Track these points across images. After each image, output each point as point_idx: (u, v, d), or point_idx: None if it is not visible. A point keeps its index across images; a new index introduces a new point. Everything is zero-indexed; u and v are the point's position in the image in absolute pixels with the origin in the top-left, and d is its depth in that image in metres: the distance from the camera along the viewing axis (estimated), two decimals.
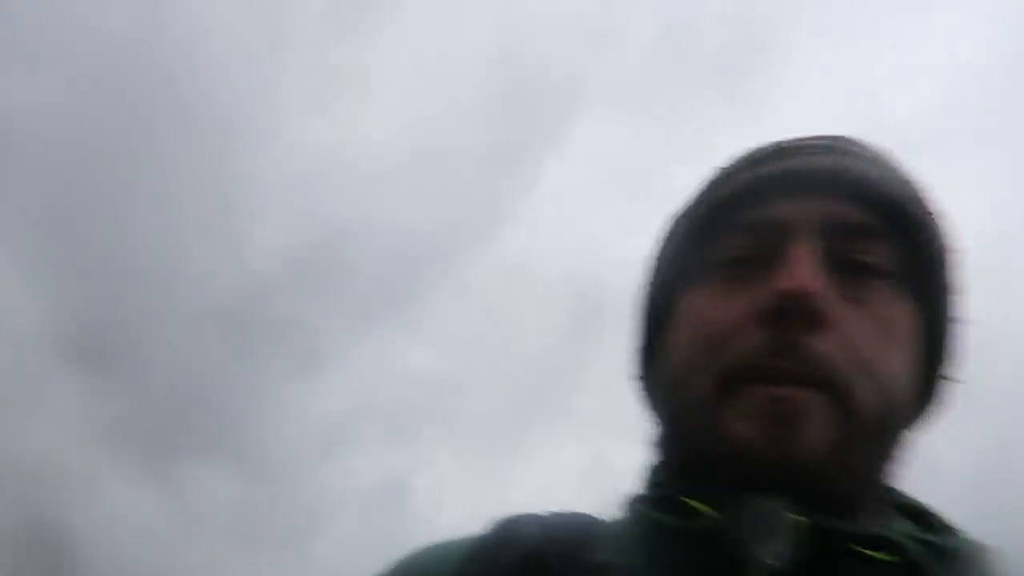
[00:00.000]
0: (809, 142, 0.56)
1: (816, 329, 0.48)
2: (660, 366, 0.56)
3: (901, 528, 0.52)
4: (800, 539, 0.46)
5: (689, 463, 0.52)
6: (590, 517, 0.58)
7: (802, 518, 0.46)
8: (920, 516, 0.55)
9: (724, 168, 0.58)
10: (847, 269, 0.51)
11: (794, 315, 0.47)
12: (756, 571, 0.46)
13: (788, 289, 0.48)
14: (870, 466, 0.51)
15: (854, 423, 0.48)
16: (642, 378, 0.61)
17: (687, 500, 0.49)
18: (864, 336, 0.50)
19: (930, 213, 0.55)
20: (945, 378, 0.57)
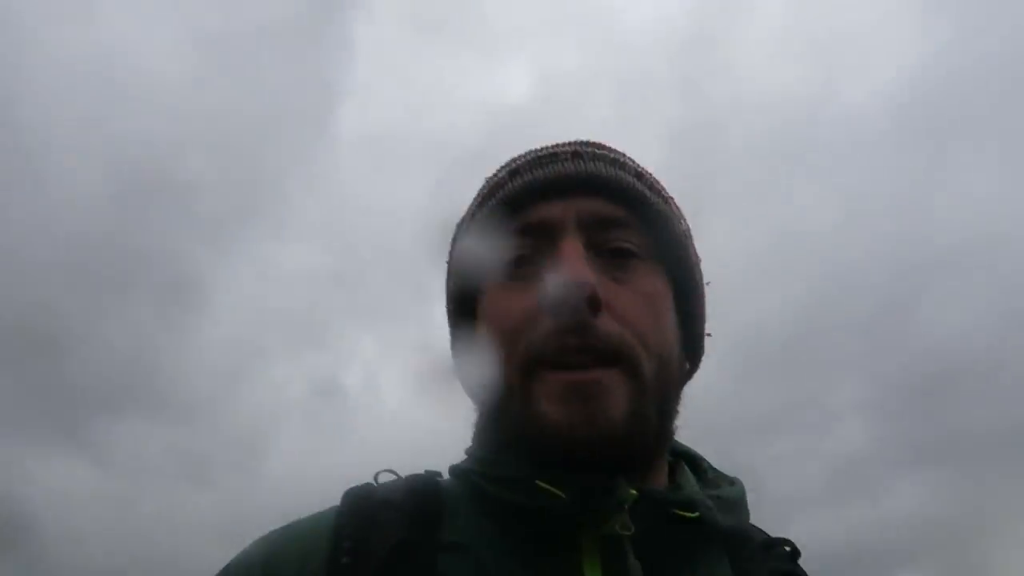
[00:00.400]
0: (559, 149, 0.64)
1: (596, 312, 0.55)
2: (474, 360, 0.62)
3: (694, 486, 0.62)
4: (635, 510, 0.54)
5: (510, 442, 0.59)
6: (436, 491, 0.61)
7: (633, 492, 0.54)
8: (693, 463, 0.67)
9: (491, 179, 0.66)
10: (607, 254, 0.60)
11: (575, 302, 0.54)
12: (596, 542, 0.55)
13: (567, 282, 0.55)
14: (659, 425, 0.59)
15: (643, 391, 0.56)
16: (462, 370, 0.67)
17: (540, 483, 0.54)
18: (635, 312, 0.57)
19: (665, 201, 0.65)
20: (701, 336, 0.68)
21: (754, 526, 0.64)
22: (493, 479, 0.59)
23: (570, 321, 0.55)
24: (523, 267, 0.60)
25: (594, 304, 0.55)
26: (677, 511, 0.57)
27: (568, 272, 0.55)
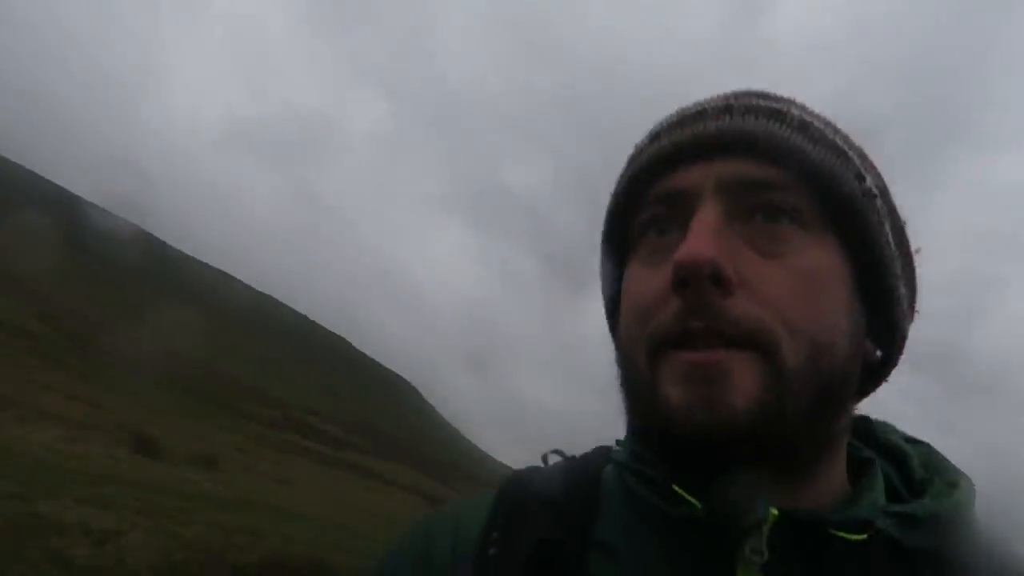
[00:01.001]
0: (709, 104, 0.56)
1: (724, 291, 0.49)
2: (614, 342, 0.59)
3: (874, 498, 0.53)
4: (775, 529, 0.48)
5: (642, 429, 0.54)
6: (594, 482, 0.58)
7: (775, 511, 0.48)
8: (902, 461, 0.57)
9: (638, 144, 0.59)
10: (759, 220, 0.51)
11: (697, 282, 0.49)
12: (740, 563, 0.49)
13: (681, 260, 0.49)
14: (814, 422, 0.51)
15: (782, 381, 0.48)
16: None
17: (675, 487, 0.51)
18: (783, 291, 0.50)
19: (839, 155, 0.54)
20: (897, 319, 0.56)
21: (978, 547, 0.52)
22: (636, 475, 0.56)
23: (694, 302, 0.49)
24: (659, 240, 0.55)
25: (719, 283, 0.49)
26: (838, 533, 0.50)
27: (688, 248, 0.49)
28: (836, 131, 0.56)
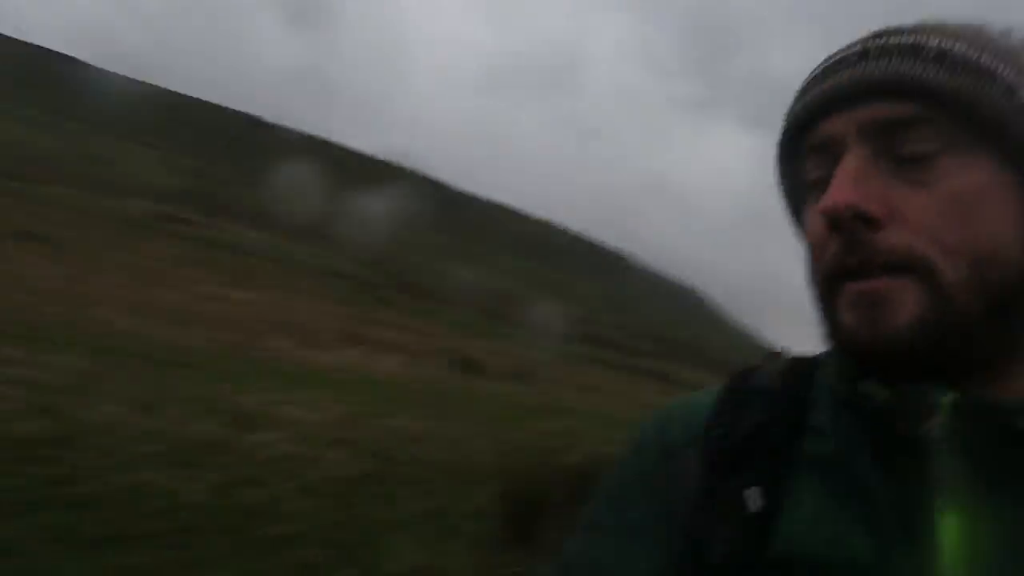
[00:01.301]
0: (848, 52, 0.59)
1: (873, 227, 0.53)
2: (802, 269, 0.65)
3: None
4: (954, 414, 0.53)
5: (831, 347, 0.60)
6: (809, 375, 0.64)
7: (950, 394, 0.53)
8: None
9: (794, 95, 0.64)
10: (904, 155, 0.54)
11: (845, 224, 0.53)
12: (920, 443, 0.54)
13: (823, 209, 0.54)
14: (992, 326, 0.54)
15: (946, 294, 0.52)
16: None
17: (866, 385, 0.56)
18: (934, 216, 0.53)
19: (983, 75, 0.54)
20: None
21: None
22: (836, 371, 0.61)
23: (848, 240, 0.54)
24: (820, 186, 0.58)
25: (866, 221, 0.53)
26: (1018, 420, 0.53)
27: (829, 196, 0.54)
28: (983, 47, 0.56)
